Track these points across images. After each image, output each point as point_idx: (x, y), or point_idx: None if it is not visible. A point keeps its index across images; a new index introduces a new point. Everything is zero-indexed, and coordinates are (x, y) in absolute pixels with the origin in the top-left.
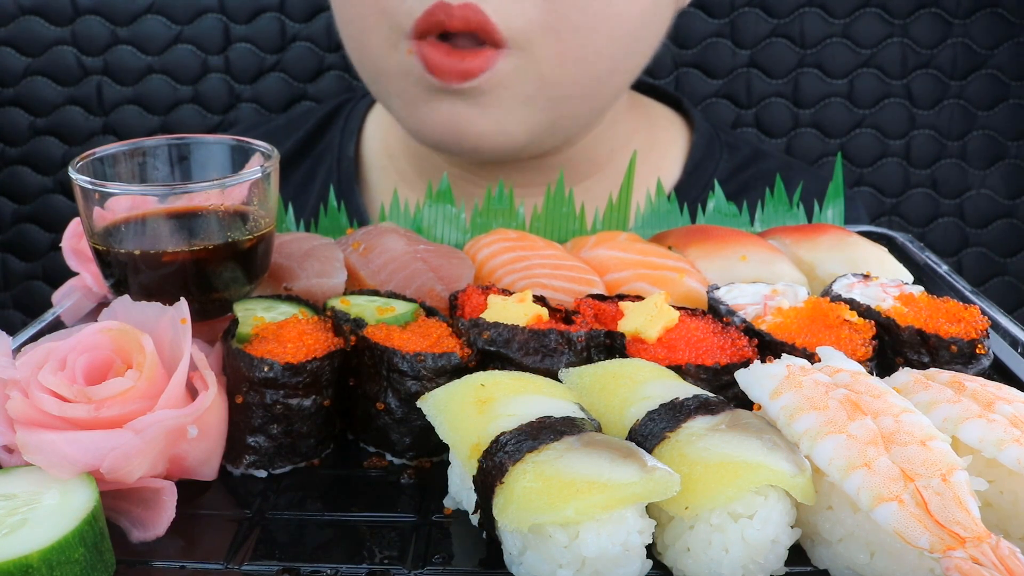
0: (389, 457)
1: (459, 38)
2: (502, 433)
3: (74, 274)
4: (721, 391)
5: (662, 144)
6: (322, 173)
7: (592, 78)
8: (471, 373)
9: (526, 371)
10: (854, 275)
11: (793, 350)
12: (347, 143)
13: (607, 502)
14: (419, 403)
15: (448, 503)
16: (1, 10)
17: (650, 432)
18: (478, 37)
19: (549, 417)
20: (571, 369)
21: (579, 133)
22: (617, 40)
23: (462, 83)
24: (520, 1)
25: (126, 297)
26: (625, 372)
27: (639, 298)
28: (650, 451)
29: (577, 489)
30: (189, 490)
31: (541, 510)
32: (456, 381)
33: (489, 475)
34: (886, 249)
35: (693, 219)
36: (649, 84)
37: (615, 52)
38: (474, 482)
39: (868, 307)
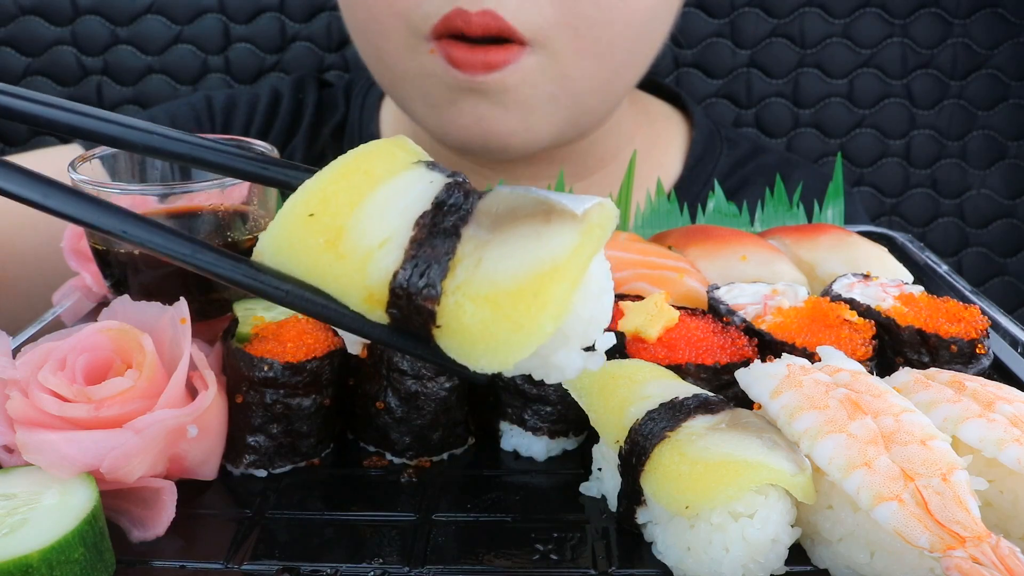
0: (389, 456)
1: (479, 41)
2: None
3: (74, 274)
4: (721, 391)
5: (663, 141)
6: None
7: (609, 71)
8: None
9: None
10: (854, 275)
11: (793, 350)
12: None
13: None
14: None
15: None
16: (1, 10)
17: (650, 432)
18: (500, 38)
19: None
20: None
21: (592, 128)
22: (631, 32)
23: (486, 74)
24: (536, 1)
25: (126, 297)
26: (624, 372)
27: (639, 298)
28: (650, 450)
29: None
30: (189, 490)
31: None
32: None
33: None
34: (886, 249)
35: (693, 219)
36: (648, 79)
37: (630, 44)
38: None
39: (868, 307)
